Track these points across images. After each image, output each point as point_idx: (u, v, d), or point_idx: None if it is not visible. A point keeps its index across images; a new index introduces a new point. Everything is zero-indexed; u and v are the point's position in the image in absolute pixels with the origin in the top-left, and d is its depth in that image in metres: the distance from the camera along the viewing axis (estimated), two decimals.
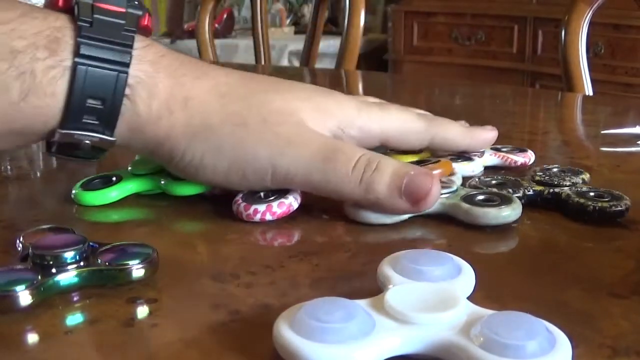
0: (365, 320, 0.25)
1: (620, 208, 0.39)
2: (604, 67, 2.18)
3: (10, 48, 0.35)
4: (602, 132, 0.67)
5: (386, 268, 0.30)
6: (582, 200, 0.40)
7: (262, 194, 0.41)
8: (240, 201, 0.41)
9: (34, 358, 0.26)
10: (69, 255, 0.30)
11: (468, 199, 0.40)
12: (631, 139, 0.62)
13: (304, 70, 1.37)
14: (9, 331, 0.27)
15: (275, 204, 0.40)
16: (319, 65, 1.57)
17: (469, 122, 0.51)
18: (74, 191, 0.44)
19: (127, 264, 0.31)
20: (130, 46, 0.38)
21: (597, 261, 0.35)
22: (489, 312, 0.25)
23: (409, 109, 0.48)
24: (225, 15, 3.04)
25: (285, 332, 0.24)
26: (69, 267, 0.30)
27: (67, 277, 0.30)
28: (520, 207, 0.39)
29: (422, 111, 0.50)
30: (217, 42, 1.57)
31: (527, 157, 0.52)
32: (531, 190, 0.42)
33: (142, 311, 0.29)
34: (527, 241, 0.38)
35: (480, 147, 0.50)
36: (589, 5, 1.05)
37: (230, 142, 0.39)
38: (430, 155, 0.50)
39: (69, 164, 0.44)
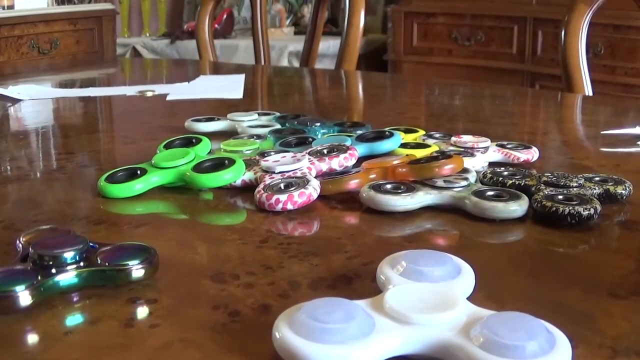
0: (365, 321, 0.25)
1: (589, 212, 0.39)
2: (603, 68, 2.17)
3: None
4: (602, 132, 0.67)
5: (386, 268, 0.30)
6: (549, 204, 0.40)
7: (282, 185, 0.42)
8: (262, 191, 0.42)
9: (34, 358, 0.26)
10: (68, 255, 0.30)
11: (478, 193, 0.41)
12: (631, 139, 0.62)
13: (304, 71, 1.37)
14: (9, 331, 0.27)
15: (296, 194, 0.41)
16: (318, 65, 1.57)
17: (469, 123, 0.51)
18: (99, 183, 0.45)
19: (127, 264, 0.31)
20: None
21: (597, 261, 0.35)
22: (489, 312, 0.25)
23: None
24: (225, 16, 3.03)
25: (285, 332, 0.24)
26: (69, 267, 0.30)
27: (67, 277, 0.30)
28: (527, 203, 0.40)
29: None
30: (216, 42, 1.57)
31: (531, 154, 0.52)
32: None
33: (142, 311, 0.29)
34: (527, 241, 0.38)
35: None
36: (589, 6, 1.05)
37: None
38: (439, 150, 0.51)
39: (69, 164, 0.43)
